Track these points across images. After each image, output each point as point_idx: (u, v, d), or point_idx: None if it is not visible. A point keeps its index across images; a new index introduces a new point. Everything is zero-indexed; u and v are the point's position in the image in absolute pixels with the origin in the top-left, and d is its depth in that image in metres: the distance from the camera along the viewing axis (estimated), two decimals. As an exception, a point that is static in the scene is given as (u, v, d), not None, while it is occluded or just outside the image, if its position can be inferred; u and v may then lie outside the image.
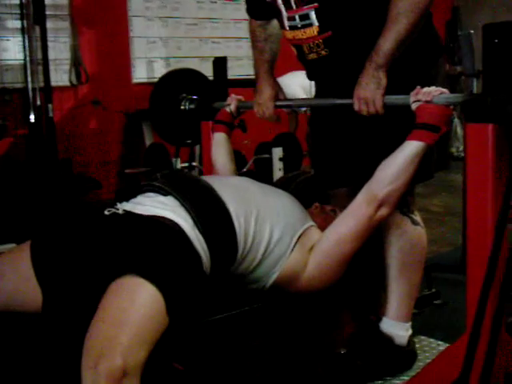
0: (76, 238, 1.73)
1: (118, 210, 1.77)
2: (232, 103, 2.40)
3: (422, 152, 1.78)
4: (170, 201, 1.80)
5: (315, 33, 1.93)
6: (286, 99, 2.32)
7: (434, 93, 1.77)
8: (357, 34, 1.91)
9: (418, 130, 1.78)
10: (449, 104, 1.78)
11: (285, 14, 1.99)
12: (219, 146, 2.39)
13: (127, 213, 1.76)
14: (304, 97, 5.32)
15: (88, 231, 1.74)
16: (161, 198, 1.82)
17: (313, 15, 1.91)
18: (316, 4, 1.89)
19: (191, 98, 2.72)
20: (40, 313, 1.69)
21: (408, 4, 1.80)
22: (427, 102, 1.77)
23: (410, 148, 1.78)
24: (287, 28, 2.01)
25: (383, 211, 1.82)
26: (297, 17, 1.95)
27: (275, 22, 2.18)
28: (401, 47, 1.83)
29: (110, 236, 1.69)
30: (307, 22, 1.93)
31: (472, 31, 3.61)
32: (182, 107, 2.70)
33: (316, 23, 1.92)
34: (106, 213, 1.76)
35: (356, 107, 1.89)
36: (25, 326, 1.78)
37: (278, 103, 2.28)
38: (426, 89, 1.78)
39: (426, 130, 1.76)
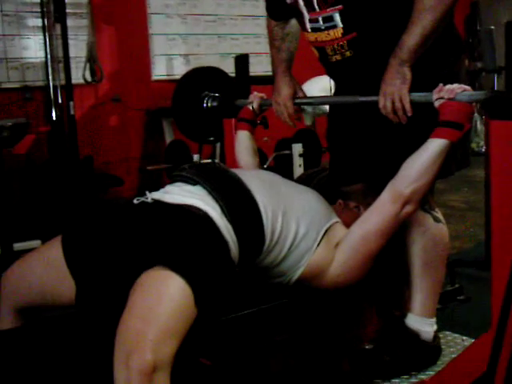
0: (106, 228, 1.75)
1: (146, 198, 1.79)
2: (255, 101, 2.40)
3: (446, 149, 1.78)
4: (198, 190, 1.81)
5: (339, 34, 1.92)
6: (305, 97, 2.31)
7: (456, 90, 1.76)
8: (382, 33, 1.90)
9: (442, 128, 1.78)
10: (472, 101, 1.78)
11: (307, 16, 1.98)
12: (243, 144, 2.40)
13: (156, 201, 1.78)
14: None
15: (118, 221, 1.76)
16: (189, 187, 1.84)
17: (337, 17, 1.90)
18: (341, 6, 1.88)
19: (214, 95, 2.73)
20: (72, 306, 1.72)
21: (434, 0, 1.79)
22: (450, 99, 1.77)
23: (434, 146, 1.79)
24: (309, 30, 2.00)
25: (408, 208, 1.83)
26: (320, 19, 1.94)
27: (294, 21, 2.18)
28: (426, 43, 1.82)
29: (139, 226, 1.71)
30: (331, 23, 1.92)
31: (493, 27, 3.59)
32: (205, 105, 2.71)
33: (340, 25, 1.91)
34: (135, 201, 1.78)
35: (381, 104, 1.87)
36: (59, 319, 1.81)
37: (297, 101, 2.27)
38: (448, 86, 1.78)
39: (450, 128, 1.77)
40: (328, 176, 2.23)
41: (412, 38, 1.81)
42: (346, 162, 2.13)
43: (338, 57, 1.97)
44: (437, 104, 1.80)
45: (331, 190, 2.07)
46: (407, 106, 1.84)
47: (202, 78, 2.81)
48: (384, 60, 1.86)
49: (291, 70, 2.28)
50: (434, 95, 1.80)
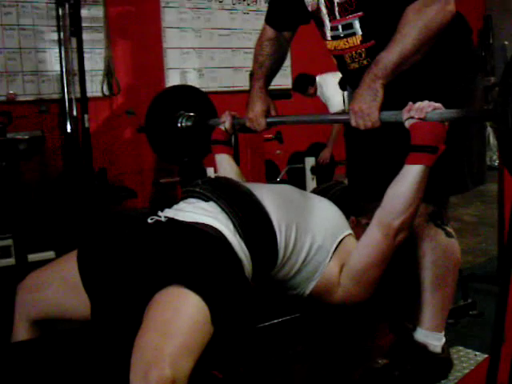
0: (121, 247, 1.76)
1: (160, 217, 1.80)
2: (227, 121, 2.33)
3: (425, 174, 1.72)
4: (211, 207, 1.82)
5: (358, 42, 1.93)
6: (277, 115, 2.26)
7: (426, 109, 1.70)
8: None
9: (415, 154, 1.71)
10: (443, 120, 1.69)
11: (328, 24, 1.99)
12: (222, 169, 2.34)
13: (169, 220, 1.79)
14: (340, 99, 5.34)
15: (133, 240, 1.77)
16: (202, 203, 1.84)
17: (357, 24, 1.91)
18: (361, 13, 1.89)
19: (188, 114, 2.61)
20: (87, 321, 1.73)
21: (419, 20, 1.76)
22: (420, 119, 1.70)
23: (412, 174, 1.72)
24: (329, 38, 2.01)
25: (401, 237, 1.79)
26: (340, 26, 1.95)
27: (285, 41, 2.23)
28: (404, 63, 1.78)
29: (155, 245, 1.72)
30: (350, 31, 1.93)
31: (506, 42, 3.60)
32: (179, 124, 2.60)
33: (360, 32, 1.92)
34: (149, 221, 1.79)
35: (352, 122, 1.85)
36: (74, 334, 1.83)
37: (269, 120, 2.23)
38: (418, 104, 1.71)
39: (424, 153, 1.70)
40: (344, 190, 2.22)
41: (390, 55, 1.78)
42: (363, 179, 2.14)
43: (356, 65, 1.98)
44: (407, 124, 1.74)
45: (345, 205, 2.07)
46: (376, 125, 1.81)
47: (177, 96, 2.68)
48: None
49: (268, 87, 2.25)
50: (404, 114, 1.74)
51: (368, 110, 1.80)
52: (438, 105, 1.71)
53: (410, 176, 1.73)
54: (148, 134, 2.69)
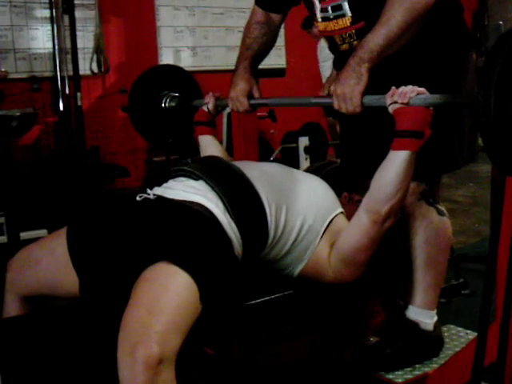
0: (110, 224, 1.75)
1: (149, 195, 1.79)
2: (210, 101, 2.31)
3: (412, 159, 1.69)
4: (201, 185, 1.81)
5: (348, 23, 1.93)
6: (262, 98, 2.24)
7: (410, 94, 1.66)
8: None
9: (400, 139, 1.68)
10: (427, 105, 1.65)
11: (318, 5, 1.98)
12: (206, 149, 2.32)
13: (158, 198, 1.78)
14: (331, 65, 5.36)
15: (121, 217, 1.76)
16: (192, 182, 1.83)
17: (346, 5, 1.90)
18: None
19: (173, 95, 2.58)
20: (76, 298, 1.73)
21: (405, 1, 1.73)
22: (404, 103, 1.67)
23: (397, 159, 1.69)
24: (319, 19, 2.01)
25: (389, 222, 1.77)
26: (329, 8, 1.95)
27: (274, 25, 2.23)
28: (391, 46, 1.75)
29: (143, 222, 1.71)
30: (340, 12, 1.93)
31: (501, 22, 3.58)
32: (163, 105, 2.57)
33: (349, 13, 1.91)
34: (138, 198, 1.78)
35: (335, 106, 1.82)
36: (63, 311, 1.82)
37: (252, 102, 2.21)
38: (401, 89, 1.68)
39: (409, 138, 1.66)
40: (338, 169, 2.22)
41: (376, 38, 1.75)
42: (356, 156, 2.13)
43: (347, 46, 1.97)
44: (391, 109, 1.71)
45: (338, 184, 2.07)
46: (357, 110, 1.78)
47: (162, 76, 2.63)
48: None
49: (253, 69, 2.23)
50: (387, 99, 1.72)
51: (350, 93, 1.76)
52: (421, 89, 1.67)
53: (395, 162, 1.70)
54: (132, 114, 2.66)
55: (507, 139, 1.39)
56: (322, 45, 5.78)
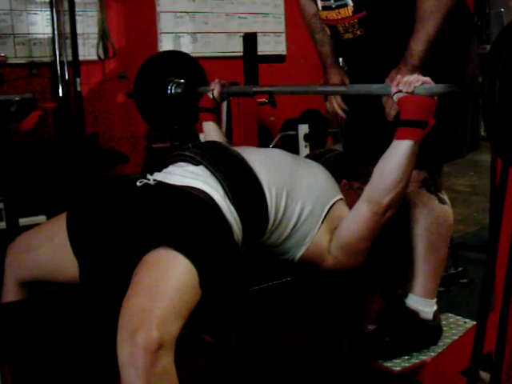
0: (110, 209, 1.75)
1: (149, 180, 1.79)
2: (215, 88, 2.31)
3: (414, 149, 1.69)
4: (201, 170, 1.81)
5: (350, 13, 1.92)
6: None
7: (414, 83, 1.67)
8: (391, 13, 1.90)
9: (404, 128, 1.69)
10: (432, 95, 1.67)
11: None
12: (209, 136, 2.32)
13: (158, 183, 1.78)
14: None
15: (121, 203, 1.76)
16: (192, 167, 1.83)
17: None
18: None
19: (178, 81, 2.57)
20: (75, 283, 1.73)
21: (433, 4, 1.79)
22: (408, 93, 1.68)
23: (401, 149, 1.70)
24: (320, 9, 2.01)
25: (389, 213, 1.78)
26: None
27: None
28: (433, 46, 1.82)
29: (143, 208, 1.71)
30: (342, 2, 1.92)
31: (502, 9, 3.56)
32: (169, 91, 2.57)
33: (351, 3, 1.90)
34: (138, 184, 1.78)
35: (384, 99, 1.89)
36: (62, 296, 1.83)
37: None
38: (406, 78, 1.70)
39: (412, 127, 1.68)
40: (337, 157, 2.21)
41: (419, 44, 1.82)
42: (358, 141, 2.13)
43: (350, 35, 1.97)
44: (395, 98, 1.72)
45: (337, 171, 2.07)
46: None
47: (168, 62, 2.60)
48: (394, 41, 1.86)
49: (338, 60, 2.23)
50: (393, 88, 1.73)
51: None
52: (426, 79, 1.68)
53: (398, 151, 1.71)
54: (137, 100, 2.65)
55: (512, 130, 1.38)
56: None
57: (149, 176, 1.82)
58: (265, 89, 2.27)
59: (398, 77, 1.72)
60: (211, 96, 2.32)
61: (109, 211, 1.75)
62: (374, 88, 1.82)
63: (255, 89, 2.22)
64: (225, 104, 4.75)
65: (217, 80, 2.33)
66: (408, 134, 1.69)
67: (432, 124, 1.68)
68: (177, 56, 2.72)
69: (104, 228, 1.71)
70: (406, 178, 1.74)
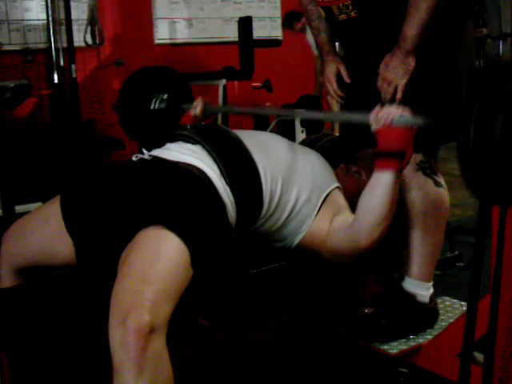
0: (104, 188, 1.75)
1: (144, 155, 1.79)
2: (198, 106, 2.25)
3: (395, 180, 1.71)
4: (198, 149, 1.81)
5: None
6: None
7: (393, 114, 1.69)
8: None
9: (384, 159, 1.71)
10: (410, 126, 1.69)
11: None
12: None
13: (154, 158, 1.78)
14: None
15: (115, 180, 1.77)
16: (189, 145, 1.83)
17: None
18: None
19: (162, 97, 2.53)
20: (72, 266, 1.73)
21: None
22: (386, 124, 1.69)
23: (382, 181, 1.71)
24: None
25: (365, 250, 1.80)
26: None
27: None
28: (426, 30, 1.83)
29: (136, 184, 1.71)
30: None
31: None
32: (152, 106, 2.51)
33: None
34: (134, 158, 1.79)
35: (379, 84, 1.92)
36: (57, 281, 1.82)
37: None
38: (385, 109, 1.71)
39: (392, 158, 1.70)
40: (333, 141, 2.21)
41: (412, 29, 1.83)
42: (356, 126, 2.13)
43: (344, 16, 1.97)
44: (373, 128, 1.73)
45: (333, 156, 2.06)
46: (399, 96, 1.89)
47: (152, 77, 2.56)
48: (387, 22, 1.85)
49: (335, 48, 2.25)
50: (371, 119, 1.73)
51: (397, 82, 1.89)
52: (404, 110, 1.70)
53: (380, 184, 1.72)
54: (119, 113, 2.62)
55: (488, 169, 1.36)
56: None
57: (145, 151, 1.82)
58: (245, 110, 2.26)
59: (377, 108, 1.73)
60: (193, 113, 2.26)
61: (103, 190, 1.75)
62: (354, 117, 1.86)
63: (238, 108, 2.20)
64: (221, 90, 4.76)
65: (200, 97, 2.29)
66: (387, 164, 1.71)
67: (410, 153, 1.72)
68: (162, 71, 2.68)
69: (98, 207, 1.71)
70: (388, 217, 1.73)
